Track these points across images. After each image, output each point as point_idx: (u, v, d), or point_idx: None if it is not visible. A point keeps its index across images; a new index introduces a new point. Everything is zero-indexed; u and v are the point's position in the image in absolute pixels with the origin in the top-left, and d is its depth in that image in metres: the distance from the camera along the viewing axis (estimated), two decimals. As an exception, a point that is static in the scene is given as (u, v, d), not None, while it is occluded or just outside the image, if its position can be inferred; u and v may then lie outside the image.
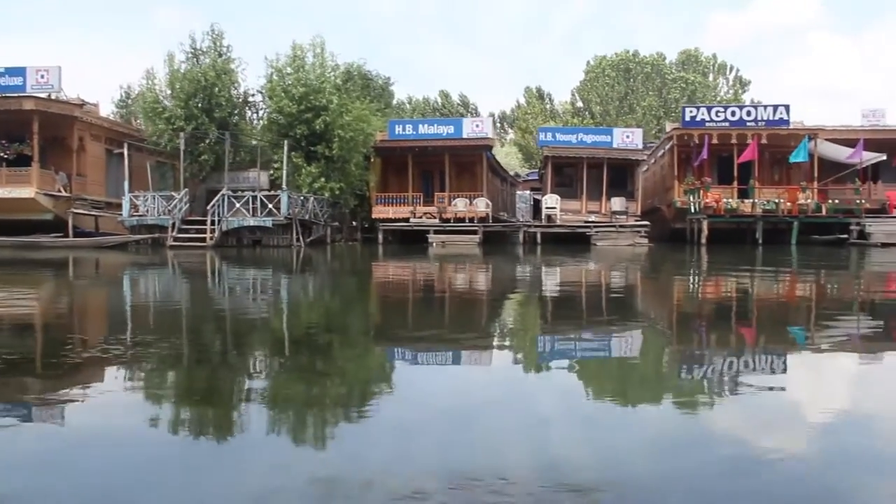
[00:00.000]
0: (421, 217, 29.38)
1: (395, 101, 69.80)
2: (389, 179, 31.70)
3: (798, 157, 27.14)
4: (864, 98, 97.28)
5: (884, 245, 24.93)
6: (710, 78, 66.81)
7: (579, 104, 67.92)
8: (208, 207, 24.98)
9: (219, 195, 25.24)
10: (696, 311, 7.79)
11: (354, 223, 32.34)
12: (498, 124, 73.36)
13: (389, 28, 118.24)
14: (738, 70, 67.26)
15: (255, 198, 25.29)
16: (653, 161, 34.62)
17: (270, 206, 25.12)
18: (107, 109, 33.05)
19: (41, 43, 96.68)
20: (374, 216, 30.34)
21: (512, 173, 54.92)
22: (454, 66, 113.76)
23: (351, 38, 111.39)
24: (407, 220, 29.47)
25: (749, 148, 27.19)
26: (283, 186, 25.59)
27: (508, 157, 64.78)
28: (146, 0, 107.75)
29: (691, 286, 11.33)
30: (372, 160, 31.08)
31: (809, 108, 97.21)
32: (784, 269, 14.51)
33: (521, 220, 34.58)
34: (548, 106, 70.96)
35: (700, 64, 66.15)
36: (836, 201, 27.77)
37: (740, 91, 66.44)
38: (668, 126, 30.63)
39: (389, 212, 30.21)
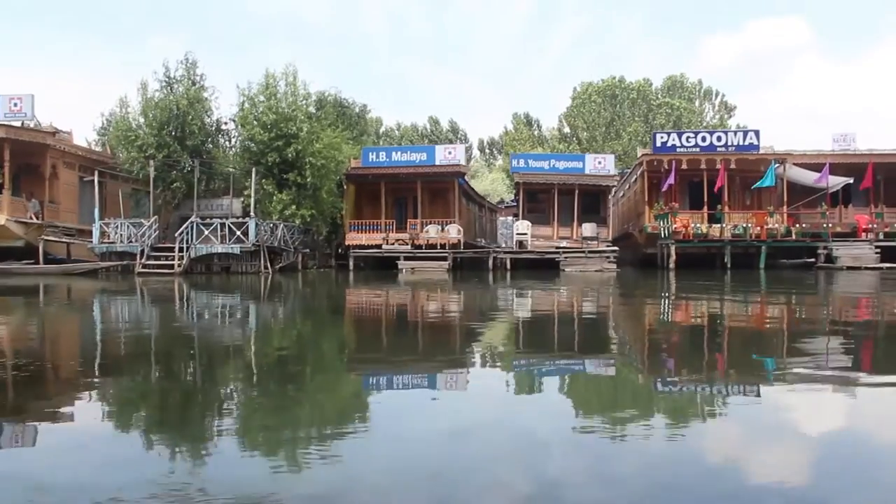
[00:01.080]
0: (393, 244, 29.53)
1: (383, 128, 70.63)
2: (363, 206, 31.89)
3: (765, 182, 27.34)
4: (854, 123, 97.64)
5: (849, 269, 25.05)
6: (697, 104, 67.26)
7: (566, 130, 68.32)
8: (176, 235, 25.14)
9: (187, 222, 25.43)
10: (636, 339, 7.84)
11: (329, 250, 32.46)
12: (487, 150, 73.79)
13: (381, 54, 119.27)
14: (723, 95, 67.91)
15: (223, 225, 25.45)
16: (627, 187, 34.85)
17: (238, 233, 25.30)
18: (90, 137, 33.37)
19: (36, 72, 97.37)
20: (347, 243, 30.46)
21: (497, 199, 55.39)
22: (445, 92, 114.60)
23: (343, 63, 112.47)
24: (380, 246, 29.61)
25: (720, 174, 27.44)
26: (252, 214, 25.79)
27: (495, 183, 65.18)
28: (140, 29, 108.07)
29: (644, 312, 11.38)
30: (346, 187, 31.28)
31: (799, 132, 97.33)
32: (742, 293, 14.64)
33: (503, 245, 34.77)
34: (535, 132, 71.42)
35: (686, 90, 66.68)
36: (804, 225, 27.92)
37: (726, 116, 66.95)
38: (640, 151, 30.82)
39: (363, 238, 30.35)
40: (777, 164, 29.01)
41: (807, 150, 30.60)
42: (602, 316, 10.79)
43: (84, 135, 51.62)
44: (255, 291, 16.53)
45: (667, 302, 12.91)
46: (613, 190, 32.60)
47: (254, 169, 26.64)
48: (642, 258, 30.90)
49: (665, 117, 62.91)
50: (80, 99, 77.46)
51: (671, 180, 27.49)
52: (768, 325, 8.98)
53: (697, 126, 61.25)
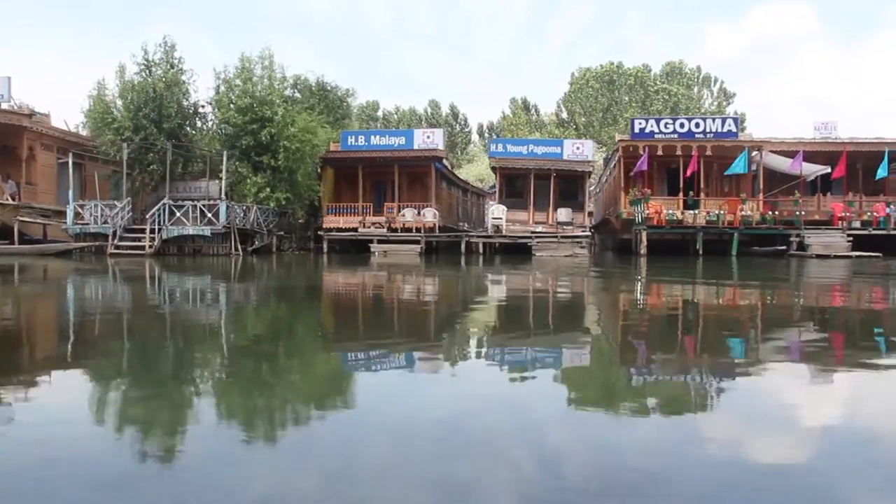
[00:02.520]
0: (369, 227, 29.71)
1: (380, 111, 70.71)
2: (342, 190, 32.05)
3: (736, 168, 27.31)
4: (855, 110, 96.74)
5: (819, 256, 25.01)
6: (695, 90, 66.91)
7: (564, 115, 68.18)
8: (147, 216, 25.37)
9: (159, 204, 25.66)
10: (565, 323, 7.90)
11: (309, 233, 32.65)
12: (486, 135, 73.65)
13: (385, 39, 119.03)
14: (722, 82, 67.47)
15: (195, 207, 25.67)
16: (608, 173, 34.85)
17: (210, 215, 25.52)
18: (80, 119, 33.44)
19: (33, 54, 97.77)
20: (325, 226, 30.66)
21: (492, 184, 55.35)
22: (448, 78, 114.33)
23: (346, 48, 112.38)
24: (356, 229, 29.81)
25: (692, 160, 27.42)
26: (222, 196, 26.00)
27: (492, 167, 65.18)
28: (140, 14, 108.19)
29: (597, 296, 11.52)
30: (324, 171, 31.45)
31: (804, 120, 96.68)
32: (696, 279, 14.73)
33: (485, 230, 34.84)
34: (533, 117, 71.28)
35: (684, 76, 66.30)
36: (776, 213, 27.88)
37: (724, 103, 66.57)
38: (618, 137, 30.80)
39: (340, 221, 30.56)
40: (754, 152, 29.01)
41: (785, 138, 30.47)
42: (543, 300, 10.88)
43: (73, 117, 51.71)
44: (220, 272, 16.79)
45: (619, 287, 13.11)
46: (590, 175, 32.48)
47: (225, 152, 26.83)
48: (619, 244, 31.02)
49: (663, 103, 62.68)
50: (80, 81, 77.43)
51: (643, 166, 27.49)
52: (706, 312, 9.01)
53: (695, 113, 60.94)
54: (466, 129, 75.27)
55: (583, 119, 65.18)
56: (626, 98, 64.63)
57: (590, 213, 43.69)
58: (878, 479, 2.39)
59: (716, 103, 66.73)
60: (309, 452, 2.69)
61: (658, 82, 65.07)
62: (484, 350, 5.44)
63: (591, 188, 45.34)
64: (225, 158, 26.70)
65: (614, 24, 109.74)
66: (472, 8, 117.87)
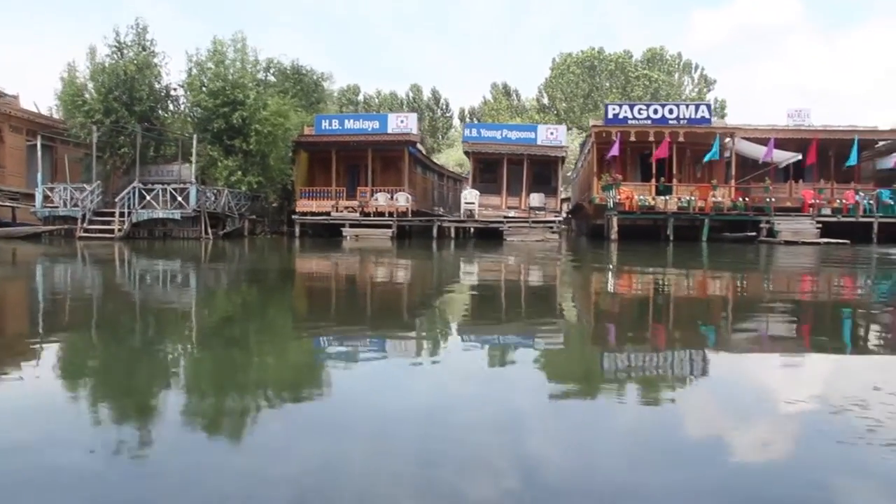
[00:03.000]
0: (342, 211, 29.67)
1: (361, 96, 70.44)
2: (316, 174, 31.98)
3: (711, 155, 27.43)
4: (840, 98, 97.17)
5: (787, 243, 25.20)
6: (676, 77, 67.03)
7: (545, 101, 68.17)
8: (117, 200, 25.24)
9: (129, 187, 25.52)
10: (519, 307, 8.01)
11: (282, 217, 32.56)
12: (468, 119, 73.54)
13: (369, 22, 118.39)
14: (703, 69, 67.62)
15: (165, 190, 25.56)
16: (583, 158, 34.92)
17: (179, 198, 25.42)
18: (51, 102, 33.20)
19: (7, 40, 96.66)
20: (298, 210, 30.59)
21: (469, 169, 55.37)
22: (432, 63, 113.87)
23: (330, 32, 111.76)
24: (329, 213, 29.77)
25: (661, 146, 27.49)
26: (192, 180, 25.90)
27: (473, 152, 65.18)
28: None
29: (554, 281, 11.60)
30: (298, 154, 31.36)
31: (784, 107, 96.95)
32: (654, 265, 14.78)
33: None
34: (515, 102, 71.23)
35: (665, 63, 66.38)
36: (748, 199, 28.06)
37: (705, 90, 66.74)
38: (591, 122, 30.84)
39: (313, 206, 30.50)
40: (727, 139, 29.14)
41: (758, 125, 30.60)
42: (502, 284, 10.95)
43: (47, 99, 50.94)
44: (187, 256, 16.75)
45: (579, 273, 13.20)
46: (563, 161, 32.50)
47: (195, 135, 26.68)
48: (592, 229, 31.13)
49: (643, 89, 62.80)
50: (55, 64, 76.61)
51: (614, 151, 27.56)
52: (652, 296, 9.10)
53: (676, 99, 61.10)
54: (448, 114, 75.14)
55: (563, 105, 65.21)
56: (607, 84, 64.67)
57: (567, 199, 43.91)
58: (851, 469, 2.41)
59: (696, 90, 66.90)
60: (281, 444, 2.60)
61: (639, 68, 65.13)
62: (438, 336, 5.44)
63: (569, 174, 45.52)
64: (195, 142, 26.57)
65: (599, 9, 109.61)
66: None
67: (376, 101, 71.83)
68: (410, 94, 73.95)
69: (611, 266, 14.48)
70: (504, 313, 6.95)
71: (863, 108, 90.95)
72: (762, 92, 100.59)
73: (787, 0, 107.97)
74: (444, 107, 74.73)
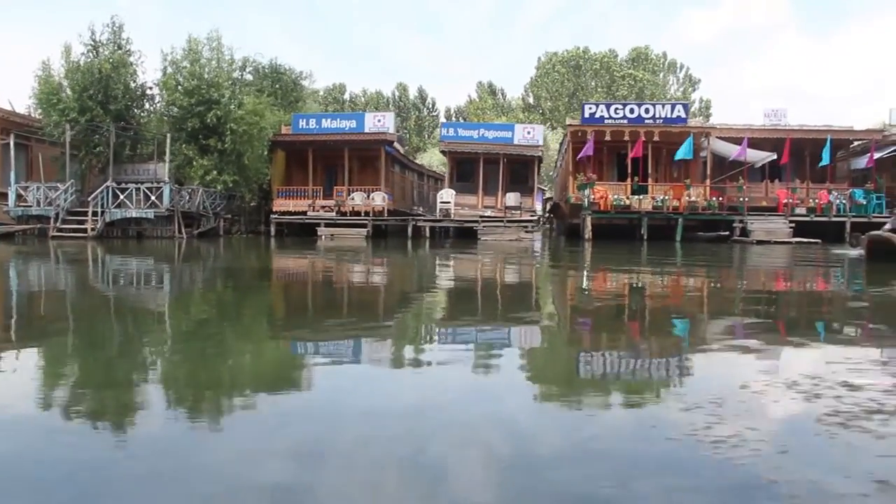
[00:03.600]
0: (319, 211, 29.70)
1: (347, 94, 70.42)
2: (294, 173, 31.99)
3: (683, 154, 27.54)
4: (830, 98, 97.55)
5: (759, 242, 25.35)
6: (661, 76, 67.25)
7: (531, 100, 68.31)
8: (90, 199, 25.21)
9: (102, 187, 25.50)
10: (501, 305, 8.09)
11: (260, 216, 32.56)
12: (454, 118, 73.61)
13: (356, 20, 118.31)
14: (688, 69, 67.87)
15: (138, 189, 25.55)
16: (561, 157, 35.02)
17: (153, 197, 25.41)
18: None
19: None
20: (275, 209, 30.61)
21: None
22: (420, 62, 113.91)
23: (317, 30, 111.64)
24: (305, 213, 29.80)
25: (636, 145, 27.59)
26: (165, 179, 25.89)
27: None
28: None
29: (517, 280, 11.71)
30: (275, 154, 31.37)
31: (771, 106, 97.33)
32: (622, 263, 14.94)
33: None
34: (500, 101, 71.34)
35: (650, 62, 66.57)
36: (723, 199, 28.20)
37: (690, 89, 66.97)
38: (568, 122, 30.94)
39: (290, 205, 30.52)
40: (703, 138, 29.26)
41: (734, 124, 30.76)
42: (471, 284, 11.04)
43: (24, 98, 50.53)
44: (158, 255, 16.77)
45: (544, 272, 13.31)
46: (541, 161, 32.59)
47: (168, 135, 26.68)
48: (569, 228, 31.22)
49: (628, 89, 62.98)
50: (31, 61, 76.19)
51: (588, 151, 27.62)
52: (615, 296, 9.16)
53: (660, 98, 61.31)
54: (434, 113, 75.11)
55: (549, 104, 65.37)
56: (593, 83, 64.83)
57: (549, 198, 44.06)
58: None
59: (681, 89, 67.13)
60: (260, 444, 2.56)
61: (624, 68, 65.32)
62: (396, 335, 5.43)
63: (552, 173, 45.65)
64: (168, 141, 26.57)
65: (586, 8, 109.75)
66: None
67: (362, 99, 71.85)
68: (396, 93, 73.96)
69: (573, 266, 14.71)
70: (450, 314, 7.02)
71: (850, 108, 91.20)
72: (751, 92, 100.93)
73: (776, 0, 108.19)
74: (431, 106, 74.79)
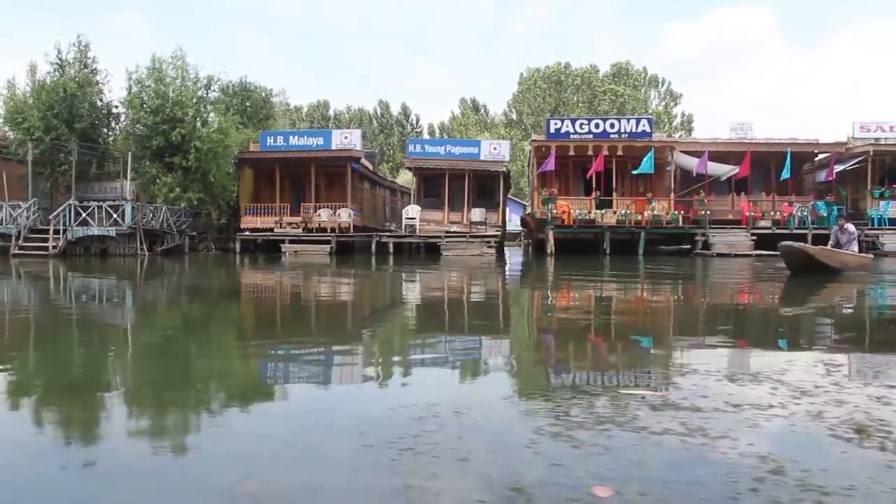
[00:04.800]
0: (285, 227, 29.80)
1: (331, 111, 70.71)
2: (262, 190, 32.07)
3: (644, 169, 27.70)
4: (818, 111, 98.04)
5: (720, 255, 25.51)
6: (643, 91, 67.63)
7: (514, 116, 68.65)
8: (51, 217, 25.29)
9: (64, 205, 25.61)
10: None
11: (229, 233, 32.63)
12: (437, 135, 73.94)
13: (346, 37, 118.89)
14: (669, 83, 68.19)
15: (100, 207, 25.66)
16: (529, 172, 35.18)
17: (115, 215, 25.52)
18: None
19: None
20: (243, 226, 30.71)
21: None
22: (406, 77, 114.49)
23: (305, 48, 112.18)
24: (272, 229, 29.90)
25: (597, 160, 27.76)
26: (127, 196, 26.03)
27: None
28: (99, 10, 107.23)
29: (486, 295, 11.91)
30: (243, 171, 31.51)
31: (760, 121, 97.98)
32: (572, 278, 15.12)
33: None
34: (484, 117, 71.69)
35: (631, 77, 66.96)
36: (686, 213, 28.37)
37: (671, 104, 67.32)
38: (533, 137, 31.14)
39: (258, 222, 30.62)
40: (667, 152, 29.44)
41: (698, 139, 31.01)
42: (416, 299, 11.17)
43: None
44: (115, 273, 16.99)
45: (493, 287, 13.53)
46: (507, 176, 32.69)
47: (130, 153, 26.85)
48: (536, 243, 31.36)
49: (609, 104, 63.30)
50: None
51: (549, 166, 27.79)
52: (545, 312, 9.33)
53: (641, 112, 61.63)
54: (418, 129, 75.45)
55: (531, 119, 65.66)
56: (574, 98, 65.19)
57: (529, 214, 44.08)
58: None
59: (662, 104, 67.50)
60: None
61: (605, 83, 65.69)
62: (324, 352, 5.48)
63: (529, 189, 45.72)
64: (129, 159, 26.73)
65: (573, 25, 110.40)
66: (433, 8, 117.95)
67: (346, 116, 72.14)
68: (378, 110, 74.29)
69: (525, 281, 15.09)
70: (379, 329, 7.15)
71: (841, 119, 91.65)
72: (735, 106, 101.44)
73: (760, 15, 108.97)
74: (415, 122, 75.16)
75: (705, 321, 7.53)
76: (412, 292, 12.39)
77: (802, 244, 14.21)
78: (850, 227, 15.11)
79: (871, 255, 16.09)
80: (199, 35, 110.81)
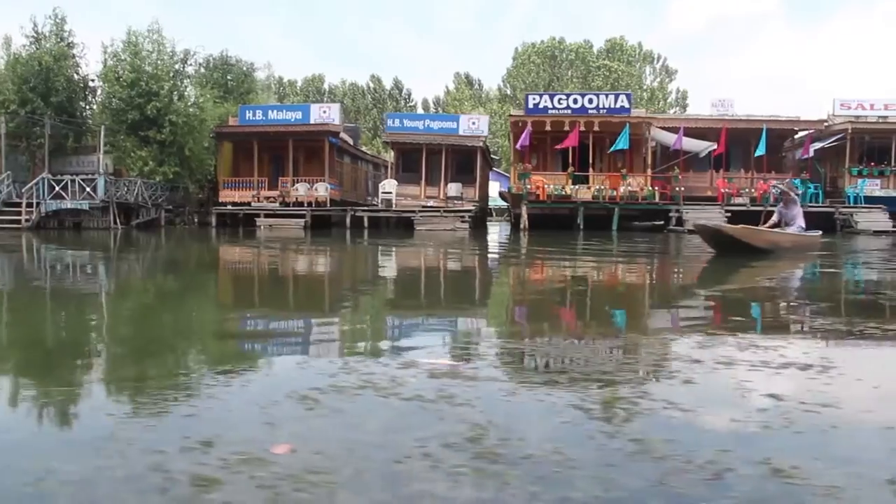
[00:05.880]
0: (262, 201, 29.90)
1: (326, 85, 70.57)
2: (241, 164, 32.08)
3: (619, 145, 27.66)
4: (822, 88, 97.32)
5: (691, 231, 25.51)
6: (638, 66, 67.25)
7: (508, 91, 68.39)
8: (23, 190, 25.43)
9: (38, 178, 25.74)
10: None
11: (209, 207, 32.72)
12: (432, 109, 73.73)
13: (346, 14, 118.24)
14: (665, 59, 67.82)
15: (73, 181, 25.78)
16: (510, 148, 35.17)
17: (88, 189, 25.65)
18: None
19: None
20: (221, 200, 30.82)
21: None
22: (404, 53, 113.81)
23: (307, 23, 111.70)
24: (250, 203, 29.99)
25: (570, 135, 27.70)
26: (100, 170, 26.14)
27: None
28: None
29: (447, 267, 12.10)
30: (222, 145, 31.56)
31: (759, 97, 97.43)
32: (535, 253, 15.39)
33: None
34: (478, 91, 71.44)
35: (625, 52, 66.54)
36: (663, 188, 28.38)
37: (666, 80, 67.01)
38: (511, 112, 31.10)
39: (236, 196, 30.71)
40: (645, 128, 29.37)
41: (676, 115, 30.89)
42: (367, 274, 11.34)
43: None
44: (84, 245, 17.33)
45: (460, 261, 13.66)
46: (483, 150, 32.60)
47: (103, 126, 26.94)
48: (515, 217, 31.39)
49: (603, 79, 62.99)
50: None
51: (523, 141, 27.80)
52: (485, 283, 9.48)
53: (635, 89, 61.37)
54: (411, 104, 75.24)
55: (525, 94, 65.32)
56: (569, 73, 64.88)
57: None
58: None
59: (658, 80, 67.15)
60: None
61: (599, 58, 65.33)
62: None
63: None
64: (102, 133, 26.81)
65: (572, 2, 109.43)
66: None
67: (341, 90, 71.94)
68: (371, 85, 74.09)
69: (491, 254, 15.42)
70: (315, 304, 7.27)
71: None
72: (738, 82, 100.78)
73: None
74: (407, 96, 74.92)
75: (558, 299, 7.61)
76: (347, 267, 12.51)
77: (719, 223, 13.04)
78: (795, 201, 13.44)
79: (819, 233, 14.06)
80: (200, 12, 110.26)
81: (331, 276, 10.55)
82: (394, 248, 17.08)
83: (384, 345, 4.30)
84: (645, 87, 64.94)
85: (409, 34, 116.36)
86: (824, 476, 2.04)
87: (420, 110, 75.61)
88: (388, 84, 74.80)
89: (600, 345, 4.27)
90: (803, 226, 13.10)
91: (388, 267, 12.24)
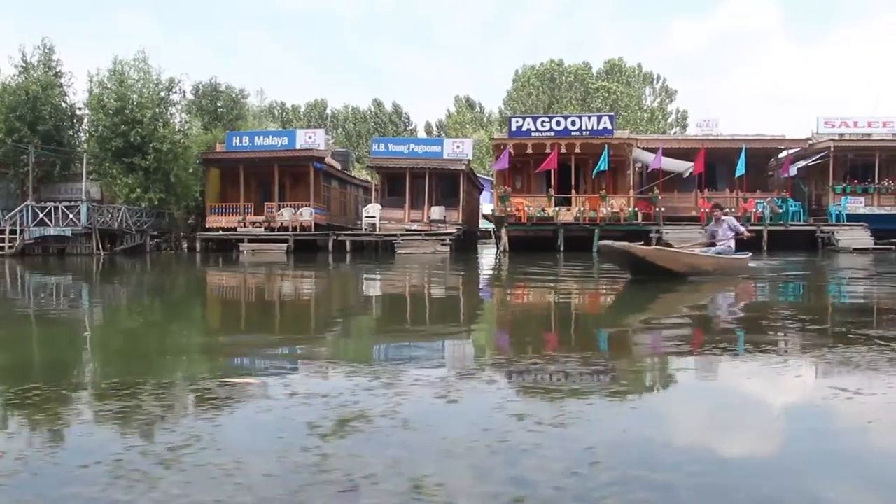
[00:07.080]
0: (248, 227, 30.18)
1: (329, 110, 71.21)
2: (228, 190, 32.39)
3: (600, 166, 27.75)
4: (821, 105, 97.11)
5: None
6: (637, 88, 67.43)
7: (508, 113, 68.73)
8: (7, 217, 25.84)
9: (21, 205, 26.15)
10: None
11: (196, 233, 33.02)
12: (435, 132, 74.20)
13: (349, 36, 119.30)
14: (664, 80, 67.96)
15: (57, 208, 26.16)
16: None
17: (71, 216, 26.02)
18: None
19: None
20: (208, 225, 31.13)
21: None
22: (409, 75, 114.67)
23: (311, 46, 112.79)
24: (235, 229, 30.28)
25: (550, 157, 27.80)
26: (83, 197, 26.53)
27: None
28: (109, 4, 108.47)
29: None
30: (209, 171, 31.90)
31: (766, 115, 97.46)
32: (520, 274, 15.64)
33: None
34: (479, 114, 71.86)
35: (624, 73, 66.77)
36: (641, 210, 28.43)
37: (666, 101, 67.07)
38: (494, 135, 31.31)
39: (223, 221, 31.03)
40: (628, 150, 29.47)
41: (658, 136, 31.00)
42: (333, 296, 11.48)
43: None
44: (62, 272, 17.67)
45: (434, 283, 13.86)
46: (466, 174, 32.75)
47: (85, 154, 27.34)
48: (497, 240, 31.54)
49: (602, 101, 63.16)
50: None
51: (503, 163, 27.96)
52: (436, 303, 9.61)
53: (634, 110, 61.57)
54: (410, 127, 75.75)
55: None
56: (568, 96, 65.13)
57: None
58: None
59: (657, 100, 67.26)
60: None
61: (598, 80, 65.60)
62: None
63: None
64: (85, 160, 27.19)
65: (576, 22, 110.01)
66: (436, 6, 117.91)
67: (343, 115, 72.59)
68: (373, 109, 74.71)
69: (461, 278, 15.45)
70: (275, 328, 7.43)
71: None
72: (740, 101, 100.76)
73: (765, 8, 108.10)
74: (407, 120, 75.49)
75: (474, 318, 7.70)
76: (316, 290, 12.68)
77: (627, 244, 11.02)
78: (730, 220, 12.26)
79: (748, 255, 12.85)
80: (202, 30, 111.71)
81: (277, 301, 10.67)
82: (364, 273, 17.14)
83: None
84: (645, 108, 65.09)
85: (411, 57, 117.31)
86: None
87: (422, 134, 76.22)
88: (389, 108, 75.42)
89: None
90: (732, 247, 11.99)
91: (340, 293, 12.35)
